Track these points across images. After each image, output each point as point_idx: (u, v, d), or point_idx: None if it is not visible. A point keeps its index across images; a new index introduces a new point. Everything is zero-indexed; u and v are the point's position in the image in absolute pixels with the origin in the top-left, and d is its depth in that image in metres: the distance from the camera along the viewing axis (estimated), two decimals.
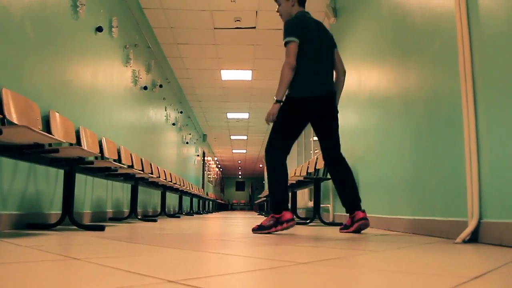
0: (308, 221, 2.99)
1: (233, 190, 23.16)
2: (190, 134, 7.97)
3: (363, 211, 2.05)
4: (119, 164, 2.37)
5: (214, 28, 4.59)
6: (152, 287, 0.63)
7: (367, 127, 2.94)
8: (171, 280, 0.68)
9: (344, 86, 3.63)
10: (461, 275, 0.77)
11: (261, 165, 17.22)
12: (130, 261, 0.93)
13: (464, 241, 1.51)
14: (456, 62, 1.67)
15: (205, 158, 11.03)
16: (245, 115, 8.49)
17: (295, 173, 4.99)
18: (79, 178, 2.66)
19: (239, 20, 4.39)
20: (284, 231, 1.97)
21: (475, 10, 1.59)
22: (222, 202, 15.30)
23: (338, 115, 2.14)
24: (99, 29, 2.94)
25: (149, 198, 4.69)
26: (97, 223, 2.52)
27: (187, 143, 7.56)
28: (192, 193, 6.44)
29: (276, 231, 1.90)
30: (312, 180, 3.07)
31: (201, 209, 9.12)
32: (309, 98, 1.95)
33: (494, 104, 1.46)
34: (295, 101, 1.96)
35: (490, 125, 1.49)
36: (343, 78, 2.20)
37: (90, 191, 2.90)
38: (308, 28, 2.00)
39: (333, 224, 3.00)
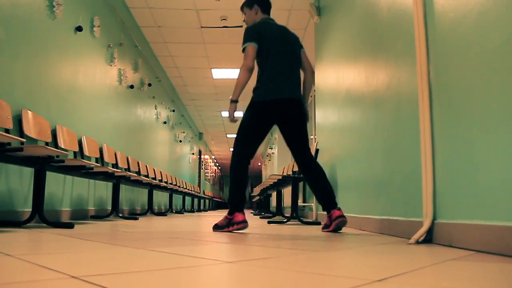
0: (285, 220, 3.00)
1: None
2: (183, 132, 8.00)
3: (339, 209, 2.06)
4: (94, 163, 2.40)
5: (201, 27, 4.60)
6: (51, 282, 0.65)
7: (344, 125, 2.94)
8: (74, 276, 0.70)
9: (325, 84, 3.63)
10: (366, 277, 0.78)
11: (259, 163, 17.23)
12: (55, 258, 0.95)
13: (418, 242, 1.51)
14: (415, 62, 1.67)
15: (202, 156, 11.06)
16: (239, 114, 8.49)
17: (282, 172, 5.00)
18: (57, 176, 2.70)
19: (225, 19, 4.40)
20: (243, 231, 1.98)
21: (431, 10, 1.58)
22: (221, 200, 15.34)
23: (310, 114, 2.16)
24: (79, 28, 2.97)
25: (137, 196, 4.72)
26: (69, 221, 2.56)
27: (180, 141, 7.59)
28: (184, 191, 6.48)
29: (230, 230, 1.94)
30: (290, 179, 3.08)
31: (195, 207, 9.16)
32: (270, 101, 1.96)
33: (448, 105, 1.46)
34: (257, 104, 1.98)
35: (444, 126, 1.49)
36: (310, 77, 2.20)
37: (70, 189, 2.94)
38: (267, 32, 2.01)
39: (312, 223, 3.01)
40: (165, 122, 6.16)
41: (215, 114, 8.65)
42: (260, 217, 4.38)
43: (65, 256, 1.00)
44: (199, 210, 8.87)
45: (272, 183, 3.83)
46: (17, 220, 2.23)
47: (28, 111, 2.31)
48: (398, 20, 1.92)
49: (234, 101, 2.00)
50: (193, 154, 9.40)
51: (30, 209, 2.40)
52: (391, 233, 1.94)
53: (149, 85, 5.02)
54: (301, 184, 4.37)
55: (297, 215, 2.97)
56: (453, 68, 1.42)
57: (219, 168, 18.60)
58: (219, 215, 5.62)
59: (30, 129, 2.27)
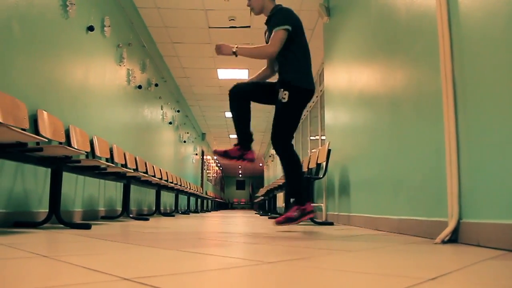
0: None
1: (233, 189, 23.17)
2: (188, 133, 7.99)
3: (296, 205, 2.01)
4: (108, 163, 2.39)
5: (209, 27, 4.59)
6: (103, 284, 0.64)
7: (357, 125, 2.93)
8: (125, 278, 0.69)
9: (335, 84, 3.63)
10: (419, 276, 0.77)
11: (261, 164, 17.20)
12: (96, 259, 0.94)
13: (444, 242, 1.51)
14: (438, 62, 1.67)
15: (204, 157, 11.05)
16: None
17: None
18: (70, 176, 2.68)
19: (233, 19, 4.39)
20: (263, 230, 1.98)
21: (456, 10, 1.58)
22: (222, 201, 15.32)
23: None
24: (91, 28, 2.95)
25: (144, 197, 4.71)
26: (84, 222, 2.54)
27: (184, 142, 7.57)
28: (189, 192, 6.46)
29: (301, 221, 2.00)
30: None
31: (199, 208, 9.14)
32: (311, 90, 2.02)
33: (473, 105, 1.46)
34: (306, 92, 2.00)
35: (469, 126, 1.48)
36: None
37: (81, 190, 2.92)
38: (301, 23, 2.06)
39: (325, 223, 3.00)
40: (170, 123, 6.15)
41: (219, 115, 8.65)
42: (269, 218, 4.37)
43: (103, 257, 0.99)
44: (202, 211, 8.85)
45: (281, 183, 3.82)
46: (32, 221, 2.22)
47: (44, 111, 2.29)
48: (418, 21, 1.92)
49: (235, 54, 1.98)
50: (196, 154, 9.39)
51: (45, 210, 2.38)
52: (410, 233, 1.94)
53: (156, 85, 5.01)
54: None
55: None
56: (480, 68, 1.42)
57: (220, 168, 18.59)
58: (223, 216, 5.61)
59: (45, 129, 2.25)
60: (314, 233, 2.02)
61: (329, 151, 3.09)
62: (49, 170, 2.42)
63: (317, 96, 5.98)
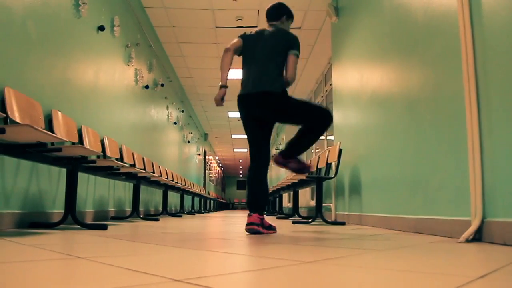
0: (310, 220, 2.99)
1: (234, 189, 23.16)
2: (191, 133, 7.97)
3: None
4: (122, 163, 2.37)
5: (216, 27, 4.59)
6: (157, 286, 0.63)
7: (369, 126, 2.93)
8: (176, 279, 0.68)
9: (344, 84, 3.63)
10: (467, 274, 0.77)
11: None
12: (134, 260, 0.93)
13: (468, 240, 1.51)
14: (459, 62, 1.66)
15: (206, 157, 11.03)
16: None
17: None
18: (82, 177, 2.67)
19: (240, 19, 4.39)
20: (280, 231, 1.97)
21: (478, 10, 1.58)
22: (224, 201, 15.31)
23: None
24: (101, 28, 2.94)
25: (151, 197, 4.69)
26: (100, 222, 2.53)
27: (188, 142, 7.56)
28: (194, 192, 6.45)
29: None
30: (314, 179, 3.07)
31: (202, 208, 9.13)
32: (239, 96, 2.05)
33: (497, 104, 1.46)
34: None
35: (492, 125, 1.48)
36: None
37: (92, 190, 2.91)
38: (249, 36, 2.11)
39: (337, 223, 3.00)
40: (175, 123, 6.14)
41: (222, 115, 8.63)
42: (277, 218, 4.37)
43: (140, 258, 0.98)
44: (205, 211, 8.84)
45: (290, 183, 3.82)
46: (48, 222, 2.20)
47: (58, 111, 2.28)
48: (437, 21, 1.92)
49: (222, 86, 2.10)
50: (199, 154, 9.37)
51: (59, 210, 2.37)
52: (428, 232, 1.94)
53: (162, 85, 5.00)
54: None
55: (322, 215, 2.96)
56: (504, 68, 1.42)
57: (222, 169, 18.57)
58: (229, 216, 5.60)
59: (60, 129, 2.24)
60: (332, 232, 2.01)
61: (340, 151, 3.08)
62: (62, 170, 2.41)
63: (322, 96, 5.98)
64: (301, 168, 2.03)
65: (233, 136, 11.05)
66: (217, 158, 15.26)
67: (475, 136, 1.56)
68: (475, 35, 1.60)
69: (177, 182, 5.07)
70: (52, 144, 2.09)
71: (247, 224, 1.86)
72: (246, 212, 9.80)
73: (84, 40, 2.73)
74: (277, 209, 6.17)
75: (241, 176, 23.19)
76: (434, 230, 1.90)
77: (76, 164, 2.06)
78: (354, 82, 3.30)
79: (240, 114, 2.10)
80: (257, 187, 1.99)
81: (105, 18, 3.07)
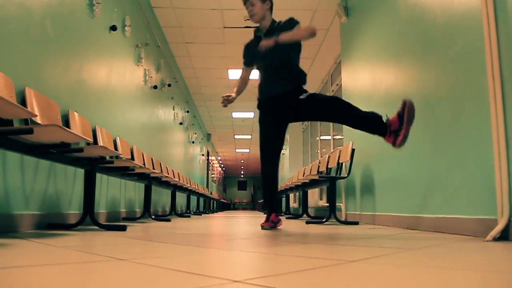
0: (324, 220, 2.98)
1: (235, 189, 23.13)
2: (195, 133, 7.96)
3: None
4: (138, 164, 2.36)
5: (224, 27, 4.58)
6: (223, 287, 0.62)
7: None
8: (236, 280, 0.67)
9: (355, 84, 3.61)
10: None
11: None
12: (179, 261, 0.92)
13: (495, 239, 1.50)
14: (482, 61, 1.66)
15: (209, 157, 11.02)
16: (250, 114, 8.48)
17: (304, 173, 4.98)
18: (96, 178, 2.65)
19: (249, 19, 4.37)
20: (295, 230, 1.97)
21: (503, 7, 1.58)
22: (225, 201, 15.30)
23: None
24: (113, 28, 2.93)
25: (158, 198, 4.68)
26: (118, 223, 2.51)
27: (193, 142, 7.55)
28: (199, 192, 6.44)
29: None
30: (327, 179, 3.07)
31: (206, 208, 9.11)
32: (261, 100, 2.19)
33: None
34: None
35: None
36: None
37: (105, 191, 2.89)
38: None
39: (349, 223, 2.99)
40: (181, 123, 6.12)
41: (226, 115, 8.63)
42: (286, 218, 4.36)
43: (182, 259, 0.97)
44: (209, 212, 8.82)
45: (300, 183, 3.81)
46: (66, 223, 2.19)
47: (74, 112, 2.27)
48: (457, 20, 1.91)
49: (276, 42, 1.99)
50: (203, 155, 9.36)
51: (75, 211, 2.35)
52: (449, 231, 1.93)
53: (169, 85, 4.98)
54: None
55: (335, 215, 2.95)
56: None
57: (223, 169, 18.55)
58: (235, 216, 5.59)
59: (76, 129, 2.22)
60: (353, 232, 2.01)
61: (353, 150, 3.08)
62: (77, 170, 2.39)
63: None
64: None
65: (236, 137, 11.04)
66: (219, 158, 15.25)
67: (501, 133, 1.56)
68: (500, 33, 1.59)
69: (184, 183, 5.06)
70: (68, 144, 2.07)
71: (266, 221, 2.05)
72: (248, 213, 9.79)
73: (97, 40, 2.71)
74: (285, 209, 6.16)
75: (242, 176, 23.17)
76: (454, 229, 1.89)
77: (94, 165, 2.05)
78: (366, 81, 3.30)
79: (262, 118, 2.18)
80: (274, 188, 2.10)
81: (117, 18, 3.06)
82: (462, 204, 1.86)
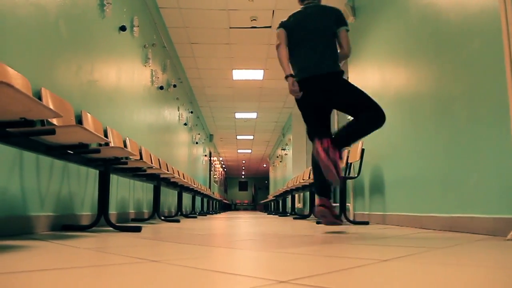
0: None
1: (236, 190, 23.10)
2: (199, 134, 7.95)
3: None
4: (150, 164, 2.35)
5: (230, 28, 4.57)
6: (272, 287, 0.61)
7: (392, 125, 2.92)
8: (281, 281, 0.67)
9: (364, 84, 3.64)
10: None
11: (265, 165, 17.18)
12: (214, 262, 0.91)
13: None
14: (500, 60, 1.66)
15: (211, 158, 11.00)
16: (253, 115, 8.48)
17: (310, 174, 4.97)
18: None
19: (255, 20, 4.37)
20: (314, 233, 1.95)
21: None
22: (227, 202, 15.29)
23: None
24: (123, 28, 2.92)
25: (164, 199, 4.66)
26: (130, 224, 2.50)
27: (196, 143, 7.54)
28: (204, 193, 6.42)
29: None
30: None
31: (209, 209, 9.10)
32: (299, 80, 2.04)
33: None
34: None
35: None
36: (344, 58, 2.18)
37: (115, 192, 2.88)
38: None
39: (359, 222, 2.99)
40: (185, 124, 6.11)
41: (229, 116, 8.62)
42: (293, 218, 4.35)
43: (216, 260, 0.96)
44: (212, 212, 8.80)
45: (308, 183, 3.80)
46: (80, 224, 2.18)
47: (87, 112, 2.26)
48: (472, 20, 1.91)
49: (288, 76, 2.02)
50: (205, 156, 9.34)
51: (87, 213, 2.34)
52: (465, 230, 1.93)
53: (174, 86, 4.98)
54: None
55: (346, 215, 2.95)
56: None
57: (225, 170, 18.54)
58: (241, 217, 5.57)
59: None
60: (369, 232, 2.00)
61: (363, 150, 3.07)
62: (90, 171, 2.38)
63: None
64: (335, 163, 1.87)
65: (238, 137, 11.03)
66: (221, 159, 15.23)
67: None
68: None
69: (191, 184, 5.05)
70: (86, 145, 2.06)
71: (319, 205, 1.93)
72: (250, 213, 9.78)
73: (107, 40, 2.70)
74: (290, 210, 6.15)
75: (243, 177, 23.15)
76: (471, 228, 1.89)
77: (108, 165, 2.04)
78: (375, 81, 3.29)
79: (300, 100, 2.04)
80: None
81: (126, 18, 3.05)
82: (479, 203, 1.86)
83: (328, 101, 2.02)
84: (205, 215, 5.99)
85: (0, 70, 1.42)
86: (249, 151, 13.77)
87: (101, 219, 2.03)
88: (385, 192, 3.01)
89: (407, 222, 2.61)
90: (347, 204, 3.87)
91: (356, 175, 3.06)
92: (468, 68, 1.96)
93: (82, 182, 2.31)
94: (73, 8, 2.15)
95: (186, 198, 6.18)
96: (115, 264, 0.87)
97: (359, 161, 3.08)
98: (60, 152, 1.58)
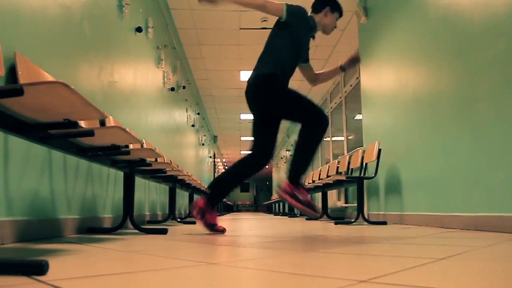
0: (353, 220, 2.97)
1: (237, 191, 23.08)
2: (204, 135, 7.94)
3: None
4: (173, 166, 2.34)
5: (240, 29, 4.57)
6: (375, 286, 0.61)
7: (410, 125, 2.93)
8: (362, 280, 0.66)
9: (377, 85, 3.58)
10: None
11: (267, 166, 17.13)
12: (281, 264, 0.90)
13: None
14: None
15: (215, 159, 10.99)
16: None
17: (320, 174, 4.97)
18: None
19: (265, 20, 4.38)
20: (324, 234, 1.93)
21: None
22: (230, 203, 15.27)
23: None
24: (139, 29, 2.91)
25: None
26: (157, 227, 2.49)
27: (202, 144, 7.52)
28: None
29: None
30: (354, 180, 3.06)
31: None
32: None
33: None
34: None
35: None
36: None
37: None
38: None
39: (377, 223, 2.99)
40: (193, 125, 6.10)
41: (234, 117, 8.61)
42: (306, 219, 4.34)
43: (278, 262, 0.95)
44: (220, 214, 8.76)
45: (321, 184, 3.80)
46: (104, 227, 2.16)
47: (109, 115, 2.24)
48: (498, 20, 1.92)
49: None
50: (210, 157, 9.33)
51: (109, 215, 2.33)
52: (491, 229, 1.93)
53: (184, 87, 4.97)
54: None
55: (363, 215, 2.94)
56: None
57: None
58: (248, 218, 5.56)
59: None
60: (395, 232, 1.99)
61: (379, 150, 3.08)
62: (110, 173, 2.37)
63: (340, 97, 5.98)
64: (309, 204, 1.71)
65: (242, 139, 11.02)
66: (223, 160, 15.22)
67: None
68: None
69: (202, 185, 5.03)
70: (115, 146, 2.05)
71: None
72: (255, 214, 9.76)
73: (125, 41, 2.70)
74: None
75: None
76: (498, 227, 1.89)
77: (133, 167, 2.02)
78: (390, 82, 3.30)
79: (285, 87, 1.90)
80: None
81: (141, 20, 3.04)
82: (506, 201, 1.86)
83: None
84: None
85: (36, 74, 1.41)
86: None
87: (129, 221, 2.01)
88: (402, 192, 3.01)
89: (427, 221, 2.60)
90: (355, 204, 3.87)
91: (373, 175, 3.06)
92: (494, 68, 1.96)
93: (104, 184, 2.29)
94: (95, 9, 2.14)
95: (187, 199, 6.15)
96: (180, 267, 0.86)
97: (375, 161, 3.08)
98: (92, 153, 1.57)
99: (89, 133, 1.27)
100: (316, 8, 2.03)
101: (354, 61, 1.98)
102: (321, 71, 2.26)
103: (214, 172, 10.61)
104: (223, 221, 4.11)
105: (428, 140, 2.65)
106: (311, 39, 2.07)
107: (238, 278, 0.70)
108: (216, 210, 1.95)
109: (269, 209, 13.18)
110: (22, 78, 1.32)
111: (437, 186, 2.52)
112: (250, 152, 1.99)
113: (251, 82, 1.94)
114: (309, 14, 2.02)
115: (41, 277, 0.68)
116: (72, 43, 1.86)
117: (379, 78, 3.56)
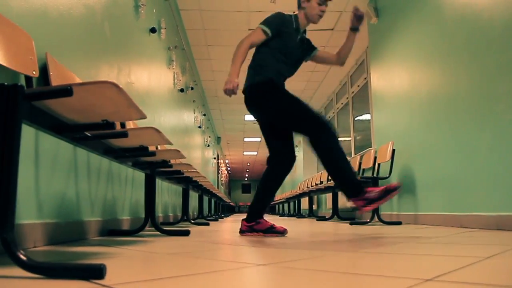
0: (368, 221, 2.96)
1: (239, 192, 23.05)
2: (209, 136, 7.93)
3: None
4: (192, 168, 2.33)
5: (249, 30, 4.57)
6: (419, 287, 0.60)
7: (424, 125, 2.92)
8: (427, 279, 0.65)
9: (390, 85, 3.54)
10: None
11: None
12: (333, 265, 0.89)
13: None
14: None
15: (219, 160, 10.97)
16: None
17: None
18: (141, 182, 2.61)
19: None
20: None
21: None
22: (232, 204, 15.26)
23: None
24: (153, 30, 2.91)
25: (178, 202, 4.62)
26: (179, 229, 2.47)
27: (208, 145, 7.51)
28: (218, 195, 6.39)
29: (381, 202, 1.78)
30: (368, 180, 3.05)
31: (219, 211, 9.05)
32: None
33: None
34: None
35: None
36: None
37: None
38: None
39: (392, 223, 2.98)
40: (199, 126, 6.09)
41: (238, 118, 8.60)
42: (317, 220, 4.33)
43: (329, 263, 0.94)
44: (225, 215, 8.76)
45: (333, 185, 3.78)
46: (125, 229, 2.15)
47: None
48: None
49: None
50: (215, 158, 9.31)
51: (127, 217, 2.31)
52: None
53: (192, 88, 4.96)
54: None
55: (379, 215, 2.94)
56: None
57: (229, 172, 18.48)
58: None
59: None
60: (417, 232, 1.99)
61: (393, 151, 3.07)
62: (128, 175, 2.35)
63: (347, 97, 5.99)
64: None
65: (246, 140, 11.01)
66: (226, 161, 15.20)
67: None
68: None
69: (211, 187, 5.02)
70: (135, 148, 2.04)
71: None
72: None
73: (140, 42, 2.69)
74: (308, 212, 6.13)
75: (246, 179, 23.10)
76: None
77: (154, 168, 2.01)
78: (403, 82, 3.30)
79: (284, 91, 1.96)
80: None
81: (155, 20, 3.04)
82: None
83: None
84: (223, 218, 5.95)
85: (64, 74, 1.40)
86: (255, 153, 13.75)
87: (151, 223, 2.00)
88: (417, 192, 3.01)
89: (444, 221, 2.60)
90: None
91: (387, 176, 3.05)
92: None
93: (123, 186, 2.28)
94: (115, 8, 2.13)
95: (194, 200, 6.14)
96: (227, 269, 0.85)
97: (389, 161, 3.08)
98: (119, 154, 1.56)
99: (124, 134, 1.26)
100: (298, 3, 2.02)
101: (358, 17, 1.93)
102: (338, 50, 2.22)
103: (218, 173, 10.59)
104: (226, 222, 4.10)
105: (445, 140, 2.65)
106: (304, 36, 2.04)
107: (302, 278, 0.70)
108: (262, 218, 1.93)
109: (272, 210, 13.13)
110: (53, 79, 1.31)
111: (454, 186, 2.51)
112: (270, 161, 1.96)
113: (249, 92, 1.97)
114: (295, 13, 2.00)
115: (101, 281, 0.67)
116: (95, 43, 1.85)
117: (391, 78, 3.56)
